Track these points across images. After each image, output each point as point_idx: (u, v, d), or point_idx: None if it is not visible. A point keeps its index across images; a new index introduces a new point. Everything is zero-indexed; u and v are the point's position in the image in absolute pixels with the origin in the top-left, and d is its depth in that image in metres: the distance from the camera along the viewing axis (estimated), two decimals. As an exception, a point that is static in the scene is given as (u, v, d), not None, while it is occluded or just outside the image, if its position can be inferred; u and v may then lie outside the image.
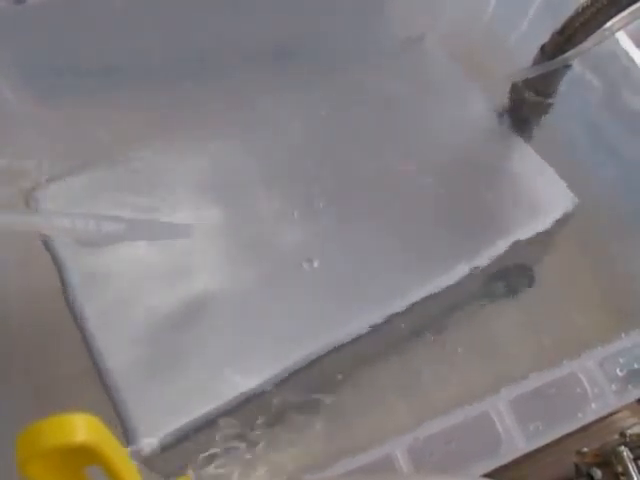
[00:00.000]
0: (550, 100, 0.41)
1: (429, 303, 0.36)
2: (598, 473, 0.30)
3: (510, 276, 0.41)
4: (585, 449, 0.30)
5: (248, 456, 0.34)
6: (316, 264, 0.37)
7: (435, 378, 0.37)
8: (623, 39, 0.44)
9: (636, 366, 0.29)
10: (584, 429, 0.29)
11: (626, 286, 0.42)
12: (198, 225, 0.37)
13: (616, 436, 0.30)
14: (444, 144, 0.42)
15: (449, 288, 0.36)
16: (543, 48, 0.39)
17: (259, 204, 0.39)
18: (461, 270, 0.37)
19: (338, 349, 0.34)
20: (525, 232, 0.38)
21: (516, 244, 0.38)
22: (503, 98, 0.43)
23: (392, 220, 0.38)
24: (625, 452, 0.29)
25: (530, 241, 0.38)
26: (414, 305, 0.35)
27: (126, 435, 0.31)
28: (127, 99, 0.45)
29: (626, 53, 0.43)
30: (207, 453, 0.34)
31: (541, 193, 0.40)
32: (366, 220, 0.38)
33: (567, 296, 0.41)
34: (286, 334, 0.34)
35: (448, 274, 0.36)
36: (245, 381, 0.33)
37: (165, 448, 0.31)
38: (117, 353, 0.33)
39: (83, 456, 0.17)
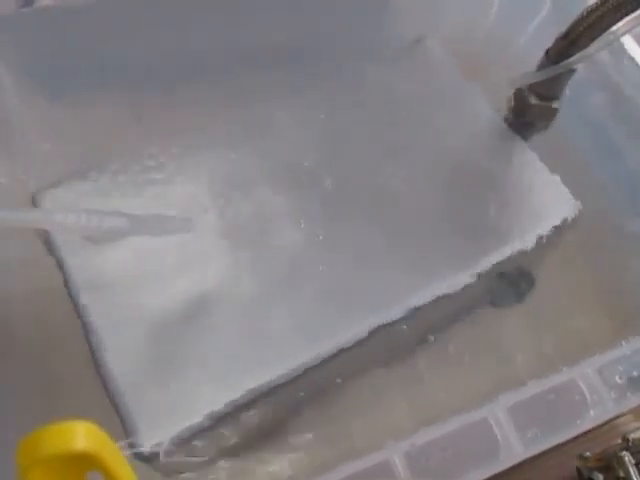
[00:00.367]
0: (555, 105, 0.41)
1: (431, 308, 0.36)
2: (600, 477, 0.30)
3: (512, 281, 0.41)
4: (587, 453, 0.30)
5: (249, 459, 0.34)
6: (317, 267, 0.37)
7: (437, 382, 0.38)
8: (628, 42, 0.43)
9: (635, 373, 0.29)
10: (586, 433, 0.29)
11: (628, 292, 0.42)
12: (199, 226, 0.37)
13: (619, 440, 0.30)
14: (446, 147, 0.42)
15: (451, 293, 0.36)
16: (548, 52, 0.39)
17: (261, 206, 0.39)
18: (463, 275, 0.37)
19: (339, 353, 0.34)
20: (527, 238, 0.38)
21: (517, 250, 0.38)
22: (506, 102, 0.42)
23: (393, 225, 0.39)
24: (627, 457, 0.29)
25: (533, 247, 0.38)
26: (416, 310, 0.35)
27: (128, 436, 0.31)
28: (130, 100, 0.45)
29: (631, 57, 0.43)
30: (208, 455, 0.34)
31: (544, 199, 0.40)
32: (368, 224, 0.38)
33: (569, 301, 0.41)
34: (287, 337, 0.34)
35: (450, 279, 0.36)
36: (246, 384, 0.33)
37: (167, 449, 0.31)
38: (119, 354, 0.33)
39: (84, 462, 0.17)
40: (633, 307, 0.41)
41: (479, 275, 0.37)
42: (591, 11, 0.35)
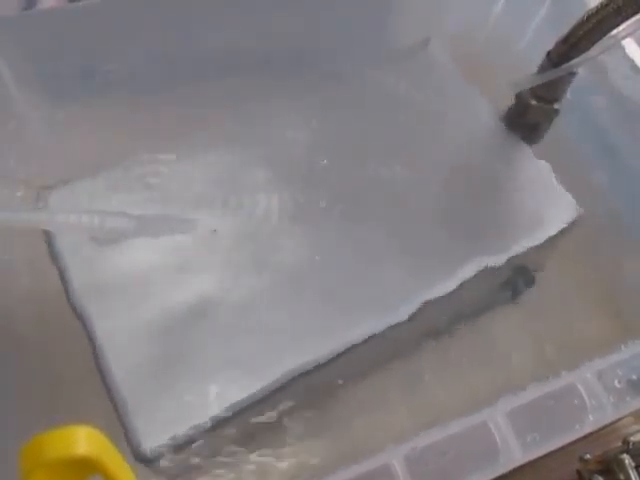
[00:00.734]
0: (556, 107, 0.41)
1: (431, 310, 0.36)
2: (600, 480, 0.30)
3: (512, 283, 0.41)
4: (588, 456, 0.30)
5: (249, 461, 0.34)
6: (319, 269, 0.37)
7: (438, 384, 0.38)
8: (629, 44, 0.43)
9: (634, 377, 0.29)
10: (587, 435, 0.29)
11: (629, 295, 0.42)
12: (200, 227, 0.37)
13: (619, 443, 0.30)
14: (446, 150, 0.42)
15: (451, 295, 0.36)
16: (549, 55, 0.39)
17: (260, 207, 0.39)
18: (463, 277, 0.37)
19: (339, 355, 0.34)
20: (528, 240, 0.38)
21: (518, 252, 0.38)
22: (507, 104, 0.42)
23: (393, 227, 0.39)
24: (627, 460, 0.29)
25: (533, 249, 0.38)
26: (416, 312, 0.36)
27: (128, 438, 0.31)
28: (130, 101, 0.45)
29: (631, 59, 0.43)
30: (209, 457, 0.34)
31: (544, 201, 0.40)
32: (368, 226, 0.38)
33: (569, 304, 0.41)
34: (288, 339, 0.35)
35: (450, 281, 0.37)
36: (247, 386, 0.33)
37: (167, 450, 0.32)
38: (120, 357, 0.33)
39: (85, 467, 0.17)
40: (633, 310, 0.41)
41: (479, 277, 0.37)
42: (591, 15, 0.35)
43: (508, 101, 0.42)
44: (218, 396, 0.33)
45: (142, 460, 0.31)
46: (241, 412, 0.33)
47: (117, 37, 0.44)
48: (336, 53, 0.47)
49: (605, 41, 0.36)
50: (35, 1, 0.44)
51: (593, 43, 0.36)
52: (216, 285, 0.36)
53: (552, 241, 0.39)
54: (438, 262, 0.37)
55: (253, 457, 0.34)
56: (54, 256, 0.37)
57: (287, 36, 0.47)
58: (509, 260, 0.38)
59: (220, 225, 0.38)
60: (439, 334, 0.39)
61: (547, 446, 0.28)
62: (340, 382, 0.37)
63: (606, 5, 0.34)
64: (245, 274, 0.36)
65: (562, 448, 0.29)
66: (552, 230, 0.39)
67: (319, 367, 0.34)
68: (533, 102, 0.41)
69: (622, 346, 0.31)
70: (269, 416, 0.35)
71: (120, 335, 0.34)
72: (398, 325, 0.36)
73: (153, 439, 0.31)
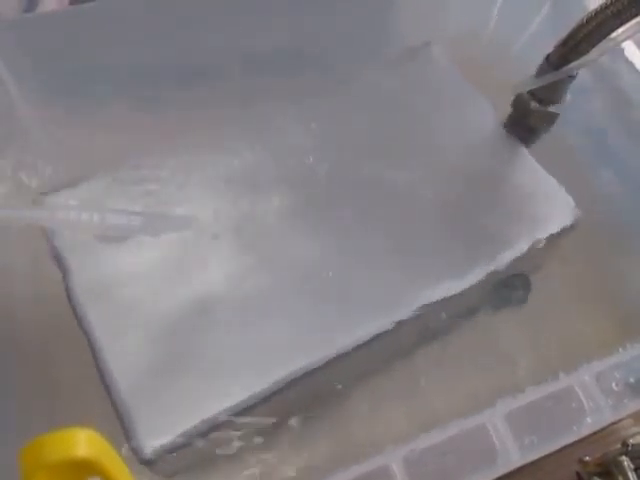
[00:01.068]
0: (555, 109, 0.41)
1: (431, 312, 0.36)
2: (599, 482, 0.30)
3: (511, 285, 0.41)
4: (587, 458, 0.31)
5: (249, 462, 0.34)
6: (319, 271, 0.37)
7: (436, 386, 0.38)
8: (628, 47, 0.43)
9: (632, 380, 0.30)
10: (586, 437, 0.29)
11: (627, 297, 0.42)
12: (200, 228, 0.37)
13: (618, 445, 0.30)
14: (446, 153, 0.42)
15: (450, 297, 0.36)
16: (548, 58, 0.39)
17: (261, 208, 0.39)
18: (462, 279, 0.37)
19: (339, 357, 0.34)
20: (527, 242, 0.38)
21: (518, 255, 0.38)
22: (507, 107, 0.43)
23: (393, 229, 0.39)
24: (626, 462, 0.29)
25: (533, 252, 0.38)
26: (415, 314, 0.36)
27: (128, 438, 0.31)
28: (131, 102, 0.45)
29: (631, 62, 0.43)
30: (208, 458, 0.34)
31: (543, 204, 0.40)
32: (368, 228, 0.39)
33: (568, 306, 0.41)
34: (288, 340, 0.35)
35: (449, 283, 0.36)
36: (246, 387, 0.33)
37: (167, 451, 0.32)
38: (120, 358, 0.33)
39: (85, 469, 0.18)
40: (632, 312, 0.41)
41: (478, 279, 0.37)
42: (591, 17, 0.35)
43: (508, 103, 0.42)
44: (218, 397, 0.33)
45: (142, 461, 0.31)
46: (241, 413, 0.33)
47: (118, 38, 0.45)
48: (337, 55, 0.48)
49: (604, 44, 0.36)
50: (36, 3, 0.44)
51: (592, 46, 0.36)
52: (216, 286, 0.36)
53: (551, 243, 0.39)
54: (438, 264, 0.38)
55: (253, 458, 0.35)
56: (55, 257, 0.37)
57: (287, 38, 0.47)
58: (508, 262, 0.38)
59: (220, 226, 0.38)
60: (438, 336, 0.39)
61: (545, 448, 0.28)
62: (340, 383, 0.37)
63: (605, 8, 0.34)
64: (245, 275, 0.36)
65: (561, 450, 0.29)
66: (551, 232, 0.39)
67: (319, 368, 0.34)
68: (532, 105, 0.41)
69: (620, 348, 0.31)
70: (269, 417, 0.35)
71: (120, 336, 0.34)
72: (398, 327, 0.36)
73: (153, 440, 0.31)
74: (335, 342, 0.35)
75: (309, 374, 0.34)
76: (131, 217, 0.35)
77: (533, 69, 0.39)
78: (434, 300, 0.36)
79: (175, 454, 0.32)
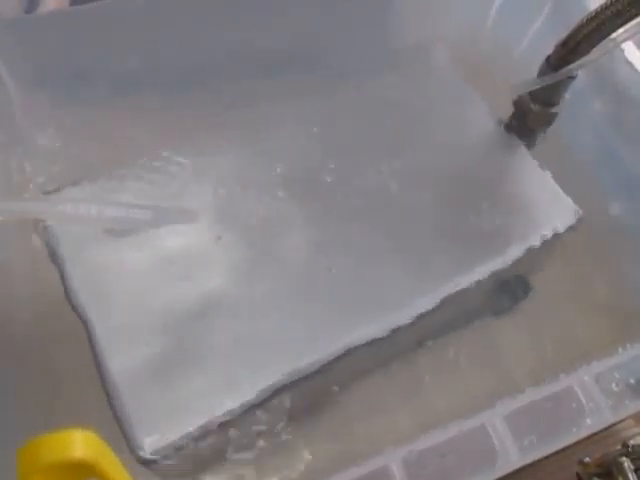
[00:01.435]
0: (554, 110, 0.41)
1: (430, 314, 0.36)
2: (599, 483, 0.30)
3: (510, 287, 0.41)
4: (587, 459, 0.30)
5: (249, 463, 0.34)
6: (320, 272, 0.37)
7: (436, 387, 0.38)
8: (628, 48, 0.43)
9: (632, 381, 0.29)
10: (587, 437, 0.29)
11: (627, 298, 0.42)
12: (202, 229, 0.37)
13: (618, 446, 0.30)
14: (446, 153, 0.42)
15: (450, 299, 0.36)
16: (548, 59, 0.39)
17: (263, 208, 0.39)
18: (462, 281, 0.37)
19: (341, 357, 0.34)
20: (527, 244, 0.38)
21: (517, 256, 0.38)
22: (507, 109, 0.43)
23: (392, 231, 0.39)
24: (626, 463, 0.29)
25: (532, 253, 0.38)
26: (415, 316, 0.36)
27: (128, 439, 0.31)
28: (132, 103, 0.45)
29: (630, 62, 0.43)
30: (208, 459, 0.34)
31: (544, 205, 0.40)
32: (368, 229, 0.39)
33: (568, 307, 0.41)
34: (289, 341, 0.35)
35: (449, 285, 0.37)
36: (247, 388, 0.33)
37: (166, 452, 0.32)
38: (120, 358, 0.33)
39: (83, 470, 0.17)
40: (632, 313, 0.41)
41: (478, 281, 0.37)
42: (591, 18, 0.35)
43: (508, 105, 0.42)
44: (217, 398, 0.33)
45: (141, 462, 0.31)
46: (241, 414, 0.33)
47: (118, 39, 0.45)
48: (337, 56, 0.48)
49: (604, 44, 0.36)
50: (37, 3, 0.44)
51: (592, 47, 0.36)
52: (217, 287, 0.36)
53: (551, 244, 0.39)
54: (438, 265, 0.38)
55: (253, 459, 0.35)
56: (54, 256, 0.37)
57: (287, 39, 0.47)
58: (508, 263, 0.38)
59: (222, 227, 0.38)
60: (438, 336, 0.39)
61: (544, 449, 0.28)
62: (340, 384, 0.37)
63: (605, 8, 0.34)
64: (246, 276, 0.37)
65: (561, 451, 0.29)
66: (551, 233, 0.39)
67: (319, 370, 0.34)
68: (532, 106, 0.41)
69: (620, 349, 0.31)
70: (269, 418, 0.35)
71: (119, 336, 0.34)
72: (398, 328, 0.36)
73: (152, 441, 0.31)
74: (335, 343, 0.35)
75: (309, 375, 0.34)
76: (131, 210, 0.35)
77: (533, 70, 0.39)
78: (435, 300, 0.36)
79: (174, 455, 0.32)
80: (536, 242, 0.38)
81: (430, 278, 0.37)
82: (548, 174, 0.41)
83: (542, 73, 0.39)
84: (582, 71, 0.38)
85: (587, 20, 0.35)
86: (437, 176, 0.41)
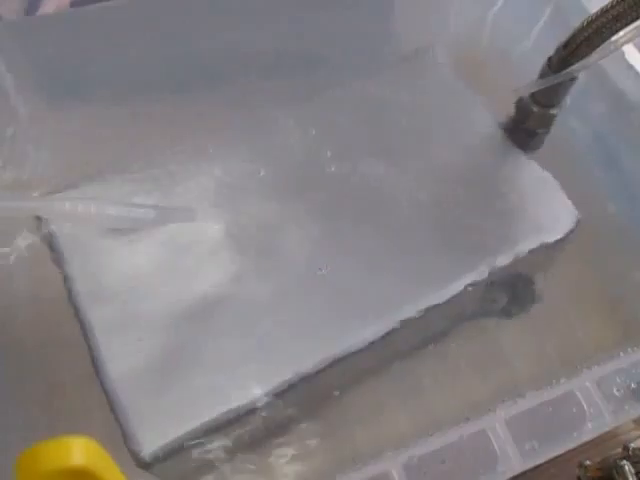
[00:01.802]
0: (555, 111, 0.41)
1: (430, 316, 0.36)
2: (600, 486, 0.30)
3: (513, 290, 0.41)
4: (588, 462, 0.30)
5: (249, 466, 0.34)
6: (319, 275, 0.37)
7: (437, 391, 0.38)
8: (629, 50, 0.43)
9: (633, 386, 0.29)
10: (587, 441, 0.29)
11: (628, 302, 0.42)
12: (203, 229, 0.37)
13: (619, 449, 0.30)
14: (446, 155, 0.42)
15: (450, 301, 0.36)
16: (549, 61, 0.39)
17: (263, 210, 0.39)
18: (462, 283, 0.37)
19: (340, 360, 0.34)
20: (527, 246, 0.38)
21: (517, 259, 0.38)
22: (507, 110, 0.42)
23: (393, 233, 0.39)
24: (627, 466, 0.29)
25: (532, 256, 0.38)
26: (416, 318, 0.36)
27: (127, 441, 0.31)
28: (132, 105, 0.45)
29: (631, 65, 0.43)
30: (207, 462, 0.34)
31: (544, 208, 0.40)
32: (368, 232, 0.39)
33: (570, 311, 0.41)
34: (289, 342, 0.35)
35: (448, 287, 0.36)
36: (246, 391, 0.33)
37: (166, 455, 0.32)
38: (119, 360, 0.33)
39: (82, 477, 0.17)
40: (633, 317, 0.41)
41: (478, 283, 0.37)
42: (592, 20, 0.35)
43: (509, 107, 0.42)
44: (217, 400, 0.33)
45: (141, 465, 0.31)
46: (240, 417, 0.33)
47: (118, 41, 0.45)
48: (337, 58, 0.48)
49: (605, 47, 0.36)
50: (37, 6, 0.44)
51: (593, 49, 0.36)
52: (217, 288, 0.36)
53: (552, 247, 0.39)
54: (438, 268, 0.37)
55: (252, 462, 0.35)
56: (55, 258, 0.37)
57: (287, 41, 0.47)
58: (509, 266, 0.38)
59: (222, 227, 0.38)
60: (438, 341, 0.39)
61: (545, 454, 0.27)
62: (340, 388, 0.37)
63: (606, 11, 0.34)
64: (245, 278, 0.36)
65: (562, 454, 0.28)
66: (552, 236, 0.39)
67: (319, 373, 0.34)
68: (533, 108, 0.41)
69: (621, 353, 0.31)
70: (269, 421, 0.35)
71: (120, 338, 0.34)
72: (398, 331, 0.36)
73: (152, 444, 0.31)
74: (334, 345, 0.35)
75: (309, 377, 0.34)
76: (131, 209, 0.35)
77: (534, 72, 0.39)
78: (434, 302, 0.36)
79: (174, 456, 0.32)
80: (536, 244, 0.38)
81: (430, 281, 0.37)
82: (548, 175, 0.41)
83: (543, 75, 0.39)
84: (582, 73, 0.38)
85: (588, 22, 0.35)
86: (437, 177, 0.41)
